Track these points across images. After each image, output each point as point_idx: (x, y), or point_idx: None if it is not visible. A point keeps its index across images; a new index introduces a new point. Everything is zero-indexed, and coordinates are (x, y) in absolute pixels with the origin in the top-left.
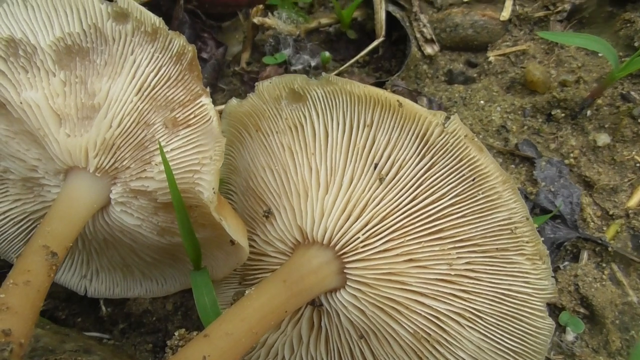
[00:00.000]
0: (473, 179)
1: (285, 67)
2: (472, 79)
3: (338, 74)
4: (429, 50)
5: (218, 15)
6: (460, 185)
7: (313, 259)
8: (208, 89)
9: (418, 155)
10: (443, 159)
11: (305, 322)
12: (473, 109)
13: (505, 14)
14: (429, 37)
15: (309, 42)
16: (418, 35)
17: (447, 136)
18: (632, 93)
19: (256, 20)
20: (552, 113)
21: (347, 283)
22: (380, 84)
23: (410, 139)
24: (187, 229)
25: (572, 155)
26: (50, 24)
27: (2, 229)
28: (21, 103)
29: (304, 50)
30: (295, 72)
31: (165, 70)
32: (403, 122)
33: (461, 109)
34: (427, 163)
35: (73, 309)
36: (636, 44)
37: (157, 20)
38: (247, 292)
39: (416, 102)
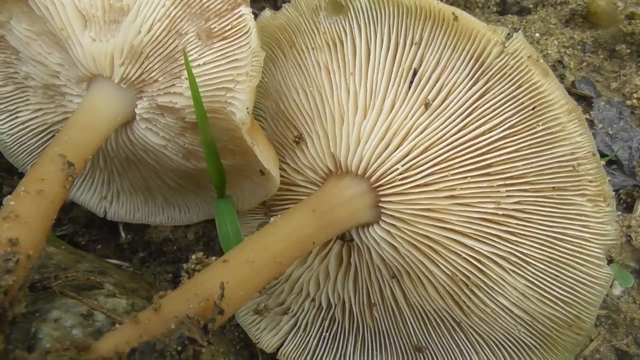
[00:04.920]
0: (533, 108)
1: None
2: (527, 10)
3: None
4: None
5: None
6: (517, 115)
7: (346, 189)
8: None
9: (471, 79)
10: (500, 84)
11: (334, 257)
12: (528, 42)
13: None
14: None
15: None
16: None
17: (506, 57)
18: None
19: None
20: (616, 49)
21: (382, 218)
22: None
23: (464, 60)
24: (211, 150)
25: (635, 95)
26: None
27: (22, 139)
28: (46, 1)
29: None
30: None
31: None
32: (457, 40)
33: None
34: (481, 89)
35: (93, 235)
36: None
37: None
38: (272, 219)
39: None
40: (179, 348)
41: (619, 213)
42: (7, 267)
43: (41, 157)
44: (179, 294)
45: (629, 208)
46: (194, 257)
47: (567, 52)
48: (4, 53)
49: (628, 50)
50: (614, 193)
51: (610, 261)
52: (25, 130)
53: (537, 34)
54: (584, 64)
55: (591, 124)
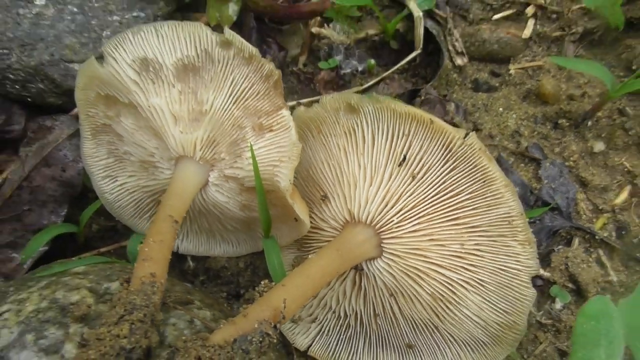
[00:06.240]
0: (484, 181)
1: (336, 70)
2: (494, 88)
3: (381, 79)
4: (459, 61)
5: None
6: (474, 185)
7: (358, 235)
8: (288, 103)
9: (443, 160)
10: (462, 164)
11: (349, 281)
12: (493, 114)
13: (527, 33)
14: (459, 50)
15: (358, 49)
16: (450, 48)
17: (466, 147)
18: (627, 109)
19: (314, 30)
20: (559, 122)
21: (383, 254)
22: (415, 91)
23: (438, 147)
24: (264, 207)
25: (572, 158)
26: (173, 48)
27: (119, 197)
28: (149, 107)
29: (353, 56)
30: (344, 75)
31: (256, 87)
32: (433, 134)
33: (483, 114)
34: (450, 167)
35: None
36: (634, 67)
37: (253, 50)
38: (310, 256)
39: (445, 107)
40: (261, 339)
41: (561, 247)
42: (154, 290)
43: (157, 217)
44: (257, 306)
45: (568, 243)
46: (262, 283)
47: (523, 123)
48: (109, 136)
49: (567, 124)
50: (535, 238)
51: (553, 283)
52: (121, 189)
53: (501, 109)
54: (535, 132)
55: (539, 179)
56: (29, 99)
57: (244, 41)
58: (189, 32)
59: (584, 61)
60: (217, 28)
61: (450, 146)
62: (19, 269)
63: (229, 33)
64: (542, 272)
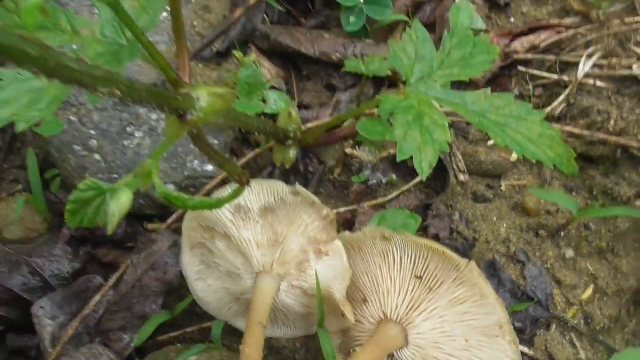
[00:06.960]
0: (481, 296)
1: (366, 182)
2: (489, 200)
3: (400, 194)
4: (462, 177)
5: None
6: (475, 297)
7: (391, 331)
8: (339, 235)
9: (453, 277)
10: (466, 282)
11: None
12: (489, 223)
13: (514, 157)
14: (462, 169)
15: (382, 165)
16: (455, 167)
17: (467, 271)
18: (591, 224)
19: (348, 150)
20: (539, 232)
21: (409, 345)
22: (427, 205)
23: (449, 268)
24: (321, 309)
25: (549, 262)
26: (259, 197)
27: (206, 294)
28: (240, 237)
29: (378, 170)
30: (371, 186)
31: (317, 224)
32: (445, 259)
33: (481, 223)
34: (458, 282)
35: (233, 341)
36: (595, 193)
37: (315, 199)
38: (357, 349)
39: (452, 218)
40: None
41: (541, 331)
42: None
43: (249, 324)
44: None
45: (547, 328)
46: None
47: (512, 231)
48: (203, 250)
49: (545, 234)
50: (518, 339)
51: None
52: (209, 289)
53: (495, 218)
54: (521, 239)
55: (525, 278)
56: (131, 211)
57: (309, 192)
58: (269, 186)
59: (555, 193)
60: (282, 166)
61: (458, 268)
62: (127, 347)
63: (298, 187)
64: (527, 350)
